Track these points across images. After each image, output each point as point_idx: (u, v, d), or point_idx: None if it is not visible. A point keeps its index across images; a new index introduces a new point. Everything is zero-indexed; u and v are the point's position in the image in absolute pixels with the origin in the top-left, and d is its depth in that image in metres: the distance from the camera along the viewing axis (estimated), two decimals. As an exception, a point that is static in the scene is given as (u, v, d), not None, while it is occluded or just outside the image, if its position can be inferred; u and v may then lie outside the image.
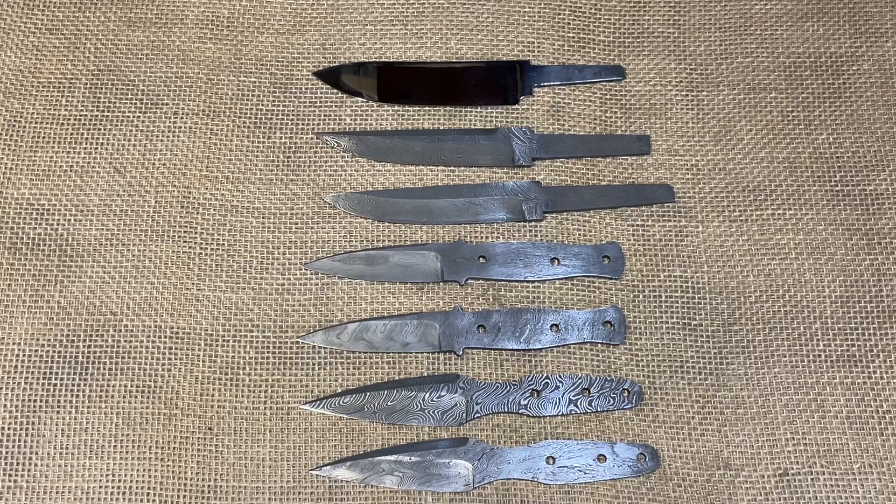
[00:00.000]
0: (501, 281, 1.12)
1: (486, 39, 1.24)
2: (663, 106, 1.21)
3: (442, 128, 1.20)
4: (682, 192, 1.17)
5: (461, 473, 1.03)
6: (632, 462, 1.04)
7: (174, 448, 1.05)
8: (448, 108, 1.21)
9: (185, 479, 1.04)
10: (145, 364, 1.08)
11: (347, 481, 1.03)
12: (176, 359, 1.08)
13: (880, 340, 1.09)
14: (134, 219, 1.14)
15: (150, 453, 1.04)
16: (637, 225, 1.15)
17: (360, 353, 1.09)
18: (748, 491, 1.03)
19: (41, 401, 1.06)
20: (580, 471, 1.03)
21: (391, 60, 1.23)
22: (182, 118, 1.19)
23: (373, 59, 1.23)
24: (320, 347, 1.09)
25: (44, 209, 1.14)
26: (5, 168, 1.16)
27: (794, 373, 1.08)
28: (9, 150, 1.17)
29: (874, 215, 1.15)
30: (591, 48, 1.24)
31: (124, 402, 1.06)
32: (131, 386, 1.07)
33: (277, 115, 1.20)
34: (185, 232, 1.14)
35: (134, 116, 1.19)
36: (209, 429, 1.06)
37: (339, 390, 1.07)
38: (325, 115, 1.20)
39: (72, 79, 1.21)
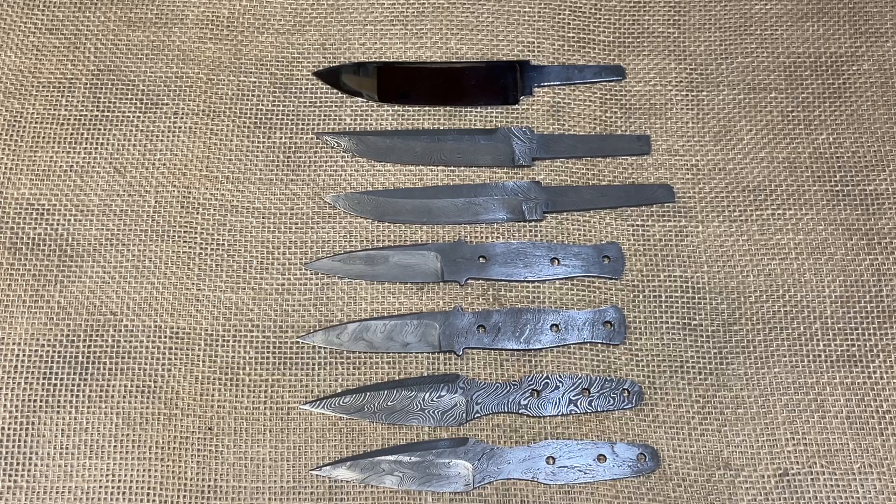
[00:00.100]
0: (501, 281, 1.12)
1: (486, 39, 1.24)
2: (663, 106, 1.21)
3: (442, 128, 1.20)
4: (682, 192, 1.17)
5: (461, 473, 1.03)
6: (632, 462, 1.04)
7: (174, 448, 1.05)
8: (448, 108, 1.21)
9: (185, 479, 1.04)
10: (145, 364, 1.08)
11: (347, 481, 1.03)
12: (176, 359, 1.08)
13: (880, 340, 1.09)
14: (134, 219, 1.14)
15: (150, 453, 1.04)
16: (637, 225, 1.15)
17: (360, 353, 1.09)
18: (748, 491, 1.03)
19: (41, 401, 1.06)
20: (580, 471, 1.03)
21: (391, 60, 1.23)
22: (182, 118, 1.19)
23: (373, 59, 1.23)
24: (320, 347, 1.09)
25: (44, 209, 1.14)
26: (5, 168, 1.16)
27: (794, 373, 1.08)
28: (9, 150, 1.17)
29: (874, 215, 1.15)
30: (591, 48, 1.24)
31: (124, 402, 1.06)
32: (131, 386, 1.07)
33: (277, 115, 1.20)
34: (185, 232, 1.14)
35: (134, 116, 1.19)
36: (209, 429, 1.06)
37: (339, 390, 1.07)
38: (325, 115, 1.20)
39: (72, 79, 1.21)
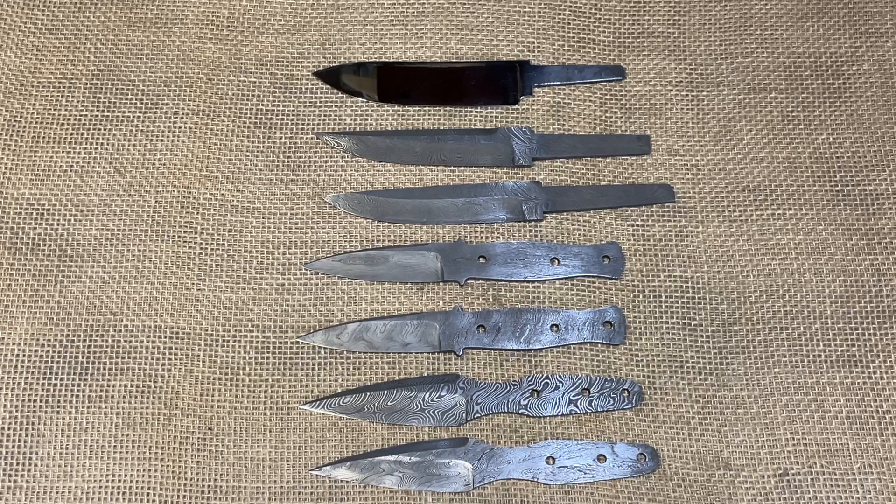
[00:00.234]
0: (501, 281, 1.12)
1: (486, 39, 1.24)
2: (663, 106, 1.21)
3: (442, 128, 1.20)
4: (682, 192, 1.17)
5: (461, 473, 1.03)
6: (632, 462, 1.04)
7: (174, 448, 1.05)
8: (448, 108, 1.21)
9: (185, 479, 1.04)
10: (145, 364, 1.08)
11: (347, 481, 1.03)
12: (176, 359, 1.08)
13: (880, 340, 1.09)
14: (134, 219, 1.14)
15: (150, 453, 1.04)
16: (637, 225, 1.15)
17: (360, 353, 1.09)
18: (748, 491, 1.03)
19: (41, 401, 1.06)
20: (580, 471, 1.03)
21: (391, 60, 1.23)
22: (182, 118, 1.19)
23: (373, 59, 1.23)
24: (320, 347, 1.09)
25: (44, 209, 1.14)
26: (5, 168, 1.16)
27: (794, 373, 1.08)
28: (9, 150, 1.17)
29: (874, 215, 1.15)
30: (591, 48, 1.24)
31: (124, 402, 1.06)
32: (131, 386, 1.07)
33: (277, 115, 1.20)
34: (185, 232, 1.14)
35: (134, 116, 1.19)
36: (209, 429, 1.06)
37: (339, 390, 1.07)
38: (325, 115, 1.20)
39: (72, 79, 1.21)
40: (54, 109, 1.19)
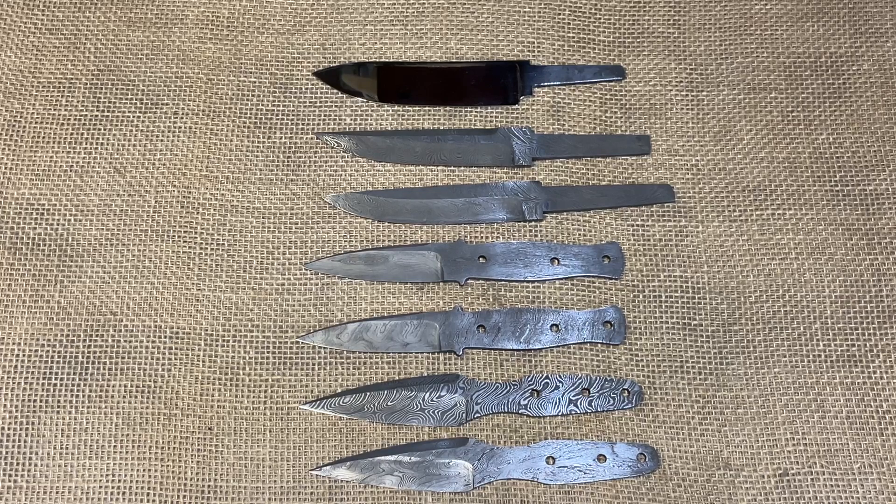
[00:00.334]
0: (501, 281, 1.12)
1: (486, 39, 1.24)
2: (663, 106, 1.21)
3: (442, 128, 1.20)
4: (682, 192, 1.17)
5: (461, 473, 1.03)
6: (632, 462, 1.04)
7: (174, 448, 1.05)
8: (448, 108, 1.21)
9: (185, 479, 1.04)
10: (145, 364, 1.08)
11: (347, 481, 1.03)
12: (176, 359, 1.08)
13: (880, 340, 1.09)
14: (134, 219, 1.14)
15: (150, 453, 1.04)
16: (637, 225, 1.15)
17: (360, 353, 1.09)
18: (748, 491, 1.03)
19: (41, 401, 1.06)
20: (580, 471, 1.03)
21: (391, 60, 1.23)
22: (182, 118, 1.19)
23: (373, 59, 1.23)
24: (320, 347, 1.09)
25: (44, 209, 1.14)
26: (5, 168, 1.16)
27: (794, 373, 1.08)
28: (9, 150, 1.17)
29: (874, 215, 1.15)
30: (591, 48, 1.24)
31: (124, 402, 1.06)
32: (131, 386, 1.07)
33: (277, 115, 1.20)
34: (185, 232, 1.14)
35: (134, 116, 1.19)
36: (209, 429, 1.06)
37: (339, 390, 1.07)
38: (325, 115, 1.20)
39: (72, 79, 1.21)
40: (54, 109, 1.19)
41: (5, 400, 1.06)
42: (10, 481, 1.03)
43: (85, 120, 1.19)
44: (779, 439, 1.05)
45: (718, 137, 1.19)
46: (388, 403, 1.06)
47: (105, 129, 1.18)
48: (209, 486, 1.03)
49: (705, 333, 1.10)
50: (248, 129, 1.19)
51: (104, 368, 1.07)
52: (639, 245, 1.14)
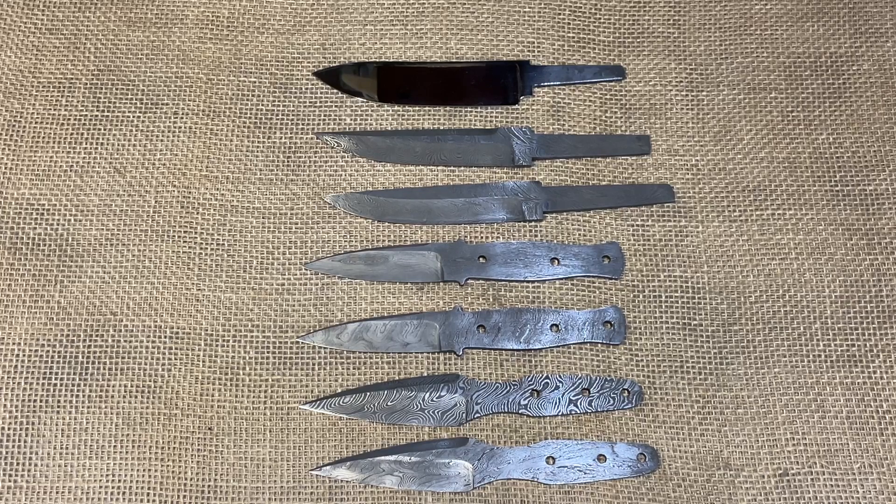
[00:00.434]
0: (501, 281, 1.12)
1: (486, 39, 1.24)
2: (663, 106, 1.21)
3: (442, 128, 1.20)
4: (682, 192, 1.17)
5: (461, 473, 1.03)
6: (632, 462, 1.04)
7: (174, 448, 1.05)
8: (448, 108, 1.21)
9: (185, 479, 1.04)
10: (145, 364, 1.08)
11: (347, 481, 1.03)
12: (176, 359, 1.08)
13: (880, 340, 1.09)
14: (134, 219, 1.14)
15: (150, 453, 1.04)
16: (637, 225, 1.15)
17: (360, 353, 1.09)
18: (748, 491, 1.03)
19: (41, 401, 1.06)
20: (580, 471, 1.03)
21: (391, 60, 1.23)
22: (182, 118, 1.19)
23: (373, 59, 1.23)
24: (320, 347, 1.09)
25: (44, 209, 1.14)
26: (5, 168, 1.16)
27: (794, 373, 1.08)
28: (9, 150, 1.17)
29: (874, 215, 1.15)
30: (591, 48, 1.24)
31: (124, 402, 1.06)
32: (131, 386, 1.07)
33: (277, 115, 1.20)
34: (185, 232, 1.14)
35: (134, 116, 1.19)
36: (209, 429, 1.06)
37: (339, 390, 1.07)
38: (325, 115, 1.20)
39: (72, 79, 1.21)
40: (54, 109, 1.19)
41: (5, 400, 1.06)
42: (10, 481, 1.03)
43: (85, 120, 1.19)
44: (779, 439, 1.05)
45: (718, 137, 1.19)
46: (388, 403, 1.06)
47: (105, 129, 1.18)
48: (209, 486, 1.03)
49: (705, 333, 1.10)
50: (248, 129, 1.19)
51: (104, 368, 1.07)
52: (639, 245, 1.14)
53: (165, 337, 1.09)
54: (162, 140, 1.18)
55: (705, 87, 1.22)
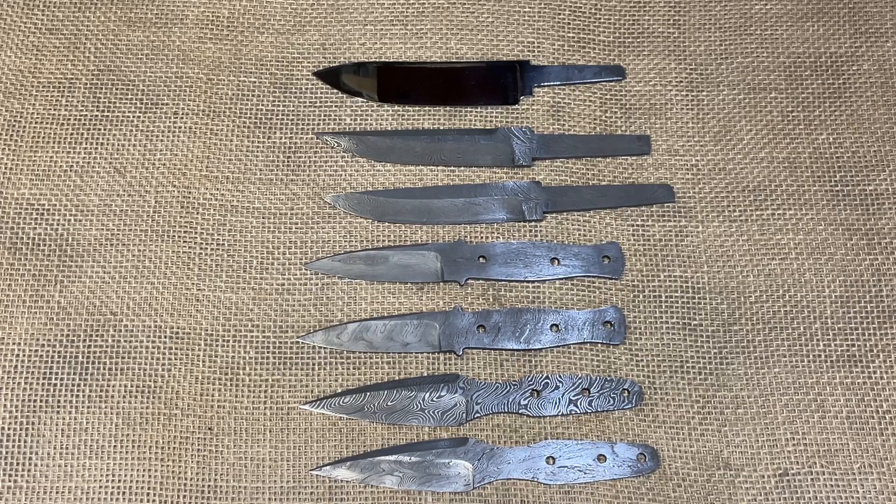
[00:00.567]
0: (501, 281, 1.12)
1: (486, 39, 1.24)
2: (663, 106, 1.21)
3: (442, 128, 1.20)
4: (682, 192, 1.17)
5: (461, 473, 1.03)
6: (632, 462, 1.04)
7: (174, 448, 1.05)
8: (448, 108, 1.21)
9: (185, 479, 1.04)
10: (145, 364, 1.08)
11: (347, 481, 1.03)
12: (176, 359, 1.08)
13: (880, 340, 1.09)
14: (134, 219, 1.14)
15: (150, 453, 1.04)
16: (637, 225, 1.15)
17: (360, 353, 1.09)
18: (748, 491, 1.03)
19: (41, 401, 1.06)
20: (580, 471, 1.03)
21: (391, 60, 1.23)
22: (182, 118, 1.19)
23: (373, 59, 1.23)
24: (320, 347, 1.09)
25: (44, 209, 1.14)
26: (5, 168, 1.16)
27: (794, 373, 1.08)
28: (9, 150, 1.17)
29: (874, 215, 1.15)
30: (591, 48, 1.24)
31: (124, 402, 1.06)
32: (131, 386, 1.07)
33: (277, 115, 1.20)
34: (185, 232, 1.14)
35: (134, 116, 1.19)
36: (209, 429, 1.06)
37: (339, 390, 1.07)
38: (325, 115, 1.20)
39: (72, 79, 1.21)
40: (54, 109, 1.19)
41: (5, 400, 1.06)
42: (10, 481, 1.03)
43: (85, 120, 1.19)
44: (779, 439, 1.05)
45: (718, 137, 1.19)
46: (388, 403, 1.06)
47: (105, 129, 1.18)
48: (209, 486, 1.03)
49: (705, 333, 1.10)
50: (248, 129, 1.19)
51: (104, 368, 1.07)
52: (639, 245, 1.14)
53: (165, 337, 1.09)
54: (162, 140, 1.18)
55: (705, 87, 1.22)
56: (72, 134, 1.18)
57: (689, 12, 1.26)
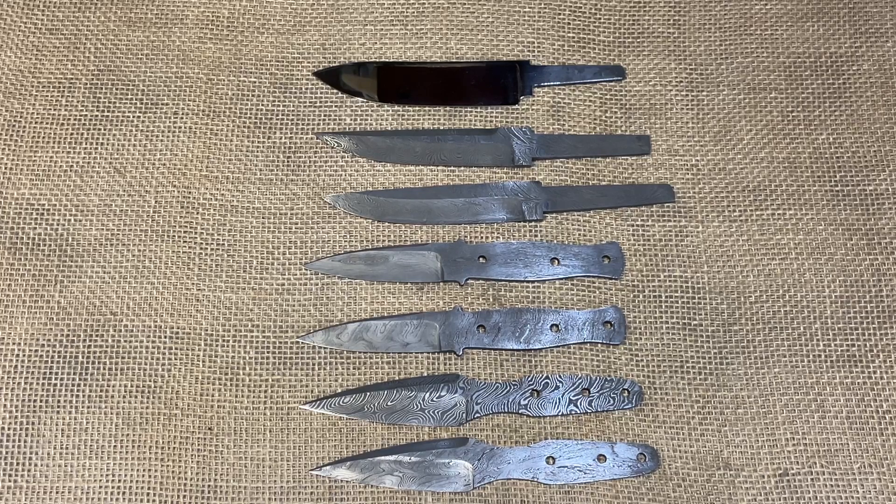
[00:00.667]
0: (501, 281, 1.12)
1: (486, 39, 1.24)
2: (663, 106, 1.21)
3: (442, 128, 1.20)
4: (682, 192, 1.17)
5: (461, 473, 1.03)
6: (632, 462, 1.04)
7: (174, 448, 1.05)
8: (448, 108, 1.21)
9: (185, 479, 1.04)
10: (145, 364, 1.08)
11: (347, 481, 1.03)
12: (176, 359, 1.08)
13: (880, 340, 1.09)
14: (134, 219, 1.14)
15: (150, 453, 1.04)
16: (637, 225, 1.15)
17: (360, 353, 1.09)
18: (748, 491, 1.03)
19: (41, 401, 1.06)
20: (580, 471, 1.03)
21: (391, 60, 1.23)
22: (182, 118, 1.19)
23: (373, 59, 1.23)
24: (320, 347, 1.09)
25: (44, 209, 1.14)
26: (5, 168, 1.16)
27: (794, 373, 1.08)
28: (9, 150, 1.17)
29: (874, 215, 1.15)
30: (591, 48, 1.24)
31: (124, 402, 1.06)
32: (131, 386, 1.07)
33: (277, 115, 1.20)
34: (185, 232, 1.14)
35: (134, 116, 1.19)
36: (209, 429, 1.06)
37: (339, 390, 1.07)
38: (325, 115, 1.20)
39: (72, 79, 1.21)
40: (54, 109, 1.19)
41: (5, 400, 1.06)
42: (10, 481, 1.03)
43: (85, 120, 1.19)
44: (779, 439, 1.05)
45: (718, 137, 1.19)
46: (388, 403, 1.06)
47: (105, 129, 1.18)
48: (209, 486, 1.03)
49: (705, 333, 1.10)
50: (248, 129, 1.19)
51: (104, 368, 1.07)
52: (639, 245, 1.14)
53: (165, 337, 1.09)
54: (162, 140, 1.18)
55: (705, 87, 1.22)
56: (72, 134, 1.18)
57: (689, 12, 1.26)
